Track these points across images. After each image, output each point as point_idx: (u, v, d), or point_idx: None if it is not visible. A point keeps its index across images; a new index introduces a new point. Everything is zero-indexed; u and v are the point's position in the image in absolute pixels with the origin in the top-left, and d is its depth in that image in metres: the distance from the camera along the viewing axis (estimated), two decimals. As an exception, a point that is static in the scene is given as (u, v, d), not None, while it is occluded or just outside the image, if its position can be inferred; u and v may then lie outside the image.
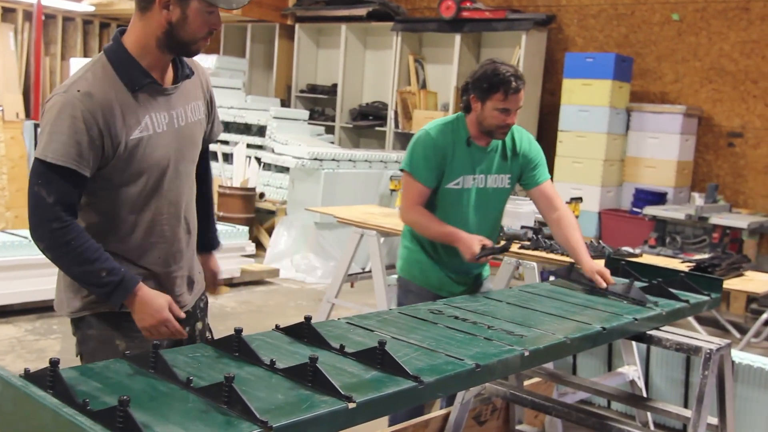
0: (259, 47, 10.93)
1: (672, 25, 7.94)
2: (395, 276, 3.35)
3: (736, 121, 7.66)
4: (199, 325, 2.35)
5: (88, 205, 2.09)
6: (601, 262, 2.91)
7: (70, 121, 1.95)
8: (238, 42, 10.99)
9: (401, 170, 3.05)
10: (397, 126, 9.29)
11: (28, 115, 10.71)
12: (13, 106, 10.31)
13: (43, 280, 5.28)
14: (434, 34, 9.00)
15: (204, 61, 9.83)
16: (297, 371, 1.63)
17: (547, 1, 8.74)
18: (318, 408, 1.49)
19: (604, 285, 2.73)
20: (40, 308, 5.28)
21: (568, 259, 3.86)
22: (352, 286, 5.32)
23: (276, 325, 2.00)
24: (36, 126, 7.05)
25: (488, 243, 2.85)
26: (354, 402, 1.53)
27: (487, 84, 2.86)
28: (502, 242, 2.96)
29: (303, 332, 1.94)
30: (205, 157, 2.46)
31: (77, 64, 10.83)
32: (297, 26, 10.22)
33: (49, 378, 1.43)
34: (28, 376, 1.45)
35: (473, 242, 2.84)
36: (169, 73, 2.19)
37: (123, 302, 2.05)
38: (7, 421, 1.39)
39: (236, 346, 1.77)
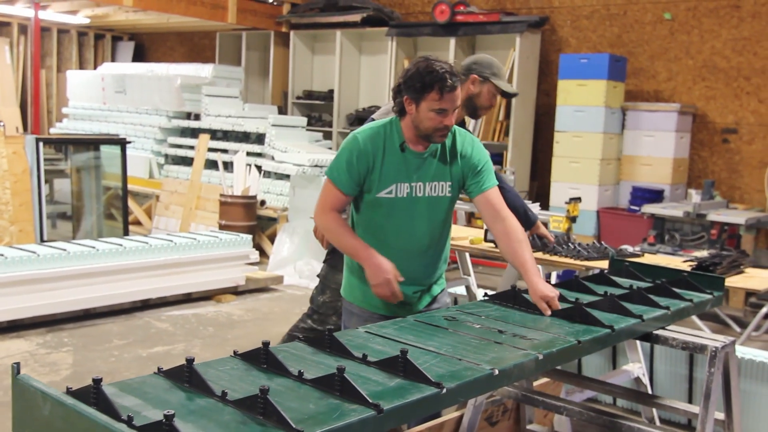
0: (254, 55, 11.00)
1: (664, 24, 8.04)
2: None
3: (730, 118, 7.75)
4: None
5: None
6: (549, 287, 2.62)
7: None
8: (233, 50, 11.06)
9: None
10: (394, 130, 9.35)
11: (26, 129, 10.77)
12: (11, 120, 10.35)
13: (52, 293, 5.35)
14: (429, 38, 9.08)
15: (200, 70, 9.92)
16: (325, 381, 1.70)
17: (540, 3, 8.83)
18: (348, 416, 1.56)
19: (549, 312, 2.53)
20: (50, 322, 5.34)
21: (576, 262, 3.94)
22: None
23: (298, 337, 2.07)
24: (38, 140, 7.09)
25: (401, 279, 2.68)
26: (382, 409, 1.60)
27: (420, 83, 2.60)
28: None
29: (325, 343, 2.01)
30: None
31: (74, 76, 10.89)
32: (292, 33, 10.29)
33: (92, 395, 1.50)
34: (72, 393, 1.52)
35: (387, 271, 2.65)
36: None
37: None
38: (57, 438, 1.47)
39: (264, 359, 1.84)
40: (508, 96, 3.59)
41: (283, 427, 1.48)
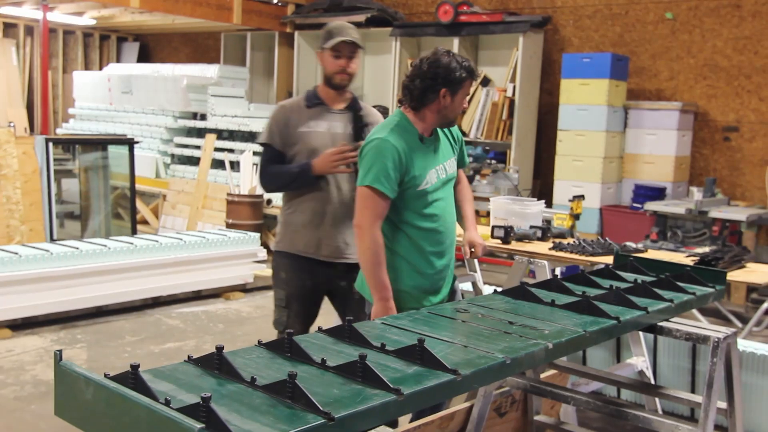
0: (259, 55, 11.08)
1: (666, 24, 8.12)
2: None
3: (731, 116, 7.84)
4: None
5: None
6: (479, 237, 3.19)
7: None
8: (238, 51, 11.14)
9: (363, 186, 2.81)
10: (398, 129, 9.43)
11: (32, 130, 10.86)
12: (18, 121, 10.45)
13: (65, 291, 5.45)
14: (433, 38, 9.16)
15: (206, 70, 10.00)
16: (347, 368, 1.79)
17: (543, 2, 8.92)
18: (371, 400, 1.65)
19: (468, 256, 3.14)
20: (63, 319, 5.44)
21: (581, 257, 4.03)
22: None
23: (318, 327, 2.16)
24: (47, 141, 7.18)
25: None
26: (402, 394, 1.69)
27: (465, 73, 2.84)
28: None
29: (345, 333, 2.10)
30: None
31: (80, 77, 10.98)
32: (296, 34, 10.38)
33: (131, 380, 1.60)
34: (112, 378, 1.61)
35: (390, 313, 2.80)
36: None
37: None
38: (99, 420, 1.55)
39: (288, 347, 1.93)
40: (353, 45, 3.29)
41: (311, 409, 1.56)
